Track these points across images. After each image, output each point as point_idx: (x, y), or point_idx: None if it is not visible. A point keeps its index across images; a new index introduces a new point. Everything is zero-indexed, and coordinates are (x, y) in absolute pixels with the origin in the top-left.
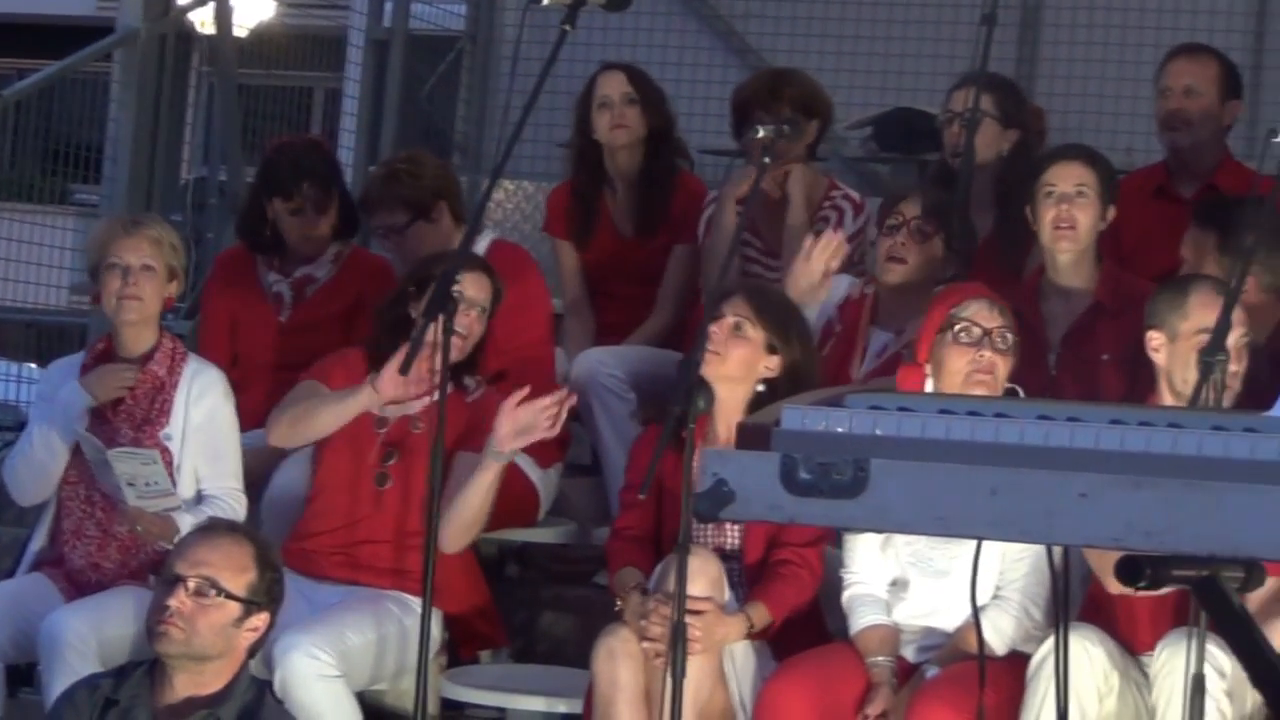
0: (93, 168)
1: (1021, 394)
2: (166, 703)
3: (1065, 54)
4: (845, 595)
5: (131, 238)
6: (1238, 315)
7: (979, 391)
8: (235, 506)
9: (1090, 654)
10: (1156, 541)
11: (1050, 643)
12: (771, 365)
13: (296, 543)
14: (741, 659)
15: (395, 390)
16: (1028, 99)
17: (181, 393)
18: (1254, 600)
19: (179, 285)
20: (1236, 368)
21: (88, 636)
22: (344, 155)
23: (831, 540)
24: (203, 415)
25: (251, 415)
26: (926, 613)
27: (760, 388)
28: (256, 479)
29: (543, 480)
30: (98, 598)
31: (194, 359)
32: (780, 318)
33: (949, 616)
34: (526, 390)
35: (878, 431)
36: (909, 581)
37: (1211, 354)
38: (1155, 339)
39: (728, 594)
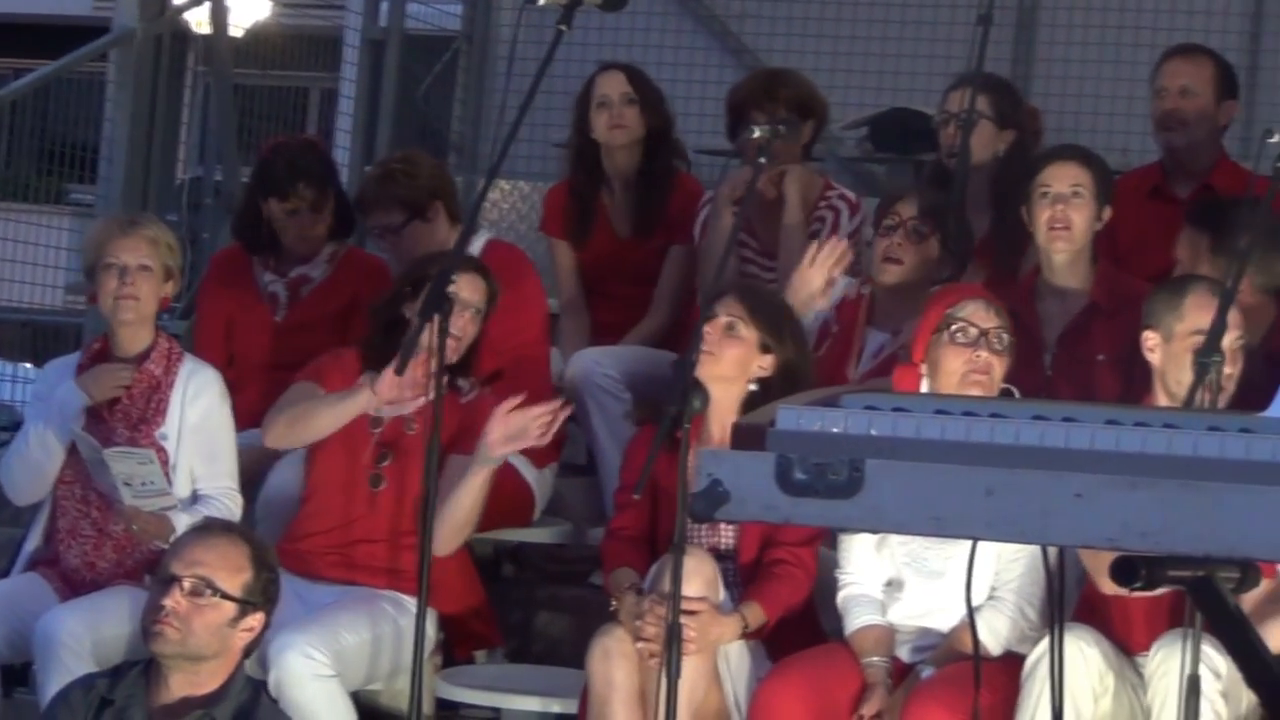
0: (88, 167)
1: (1017, 394)
2: (162, 702)
3: (1061, 54)
4: (840, 595)
5: (128, 238)
6: (1234, 317)
7: (975, 392)
8: (231, 506)
9: (1085, 654)
10: (1152, 542)
11: (1045, 643)
12: (765, 365)
13: (291, 543)
14: (736, 659)
15: (393, 393)
16: (1024, 99)
17: (177, 392)
18: (1249, 601)
19: (175, 285)
20: (1231, 370)
21: (83, 636)
22: (340, 155)
23: (826, 540)
24: (198, 415)
25: (247, 415)
26: (921, 613)
27: (753, 387)
28: (252, 479)
29: (538, 480)
30: (93, 597)
31: (190, 359)
32: (773, 317)
33: (944, 617)
34: (522, 397)
35: (873, 432)
36: (904, 582)
37: (1207, 355)
38: (1151, 339)
39: (723, 594)
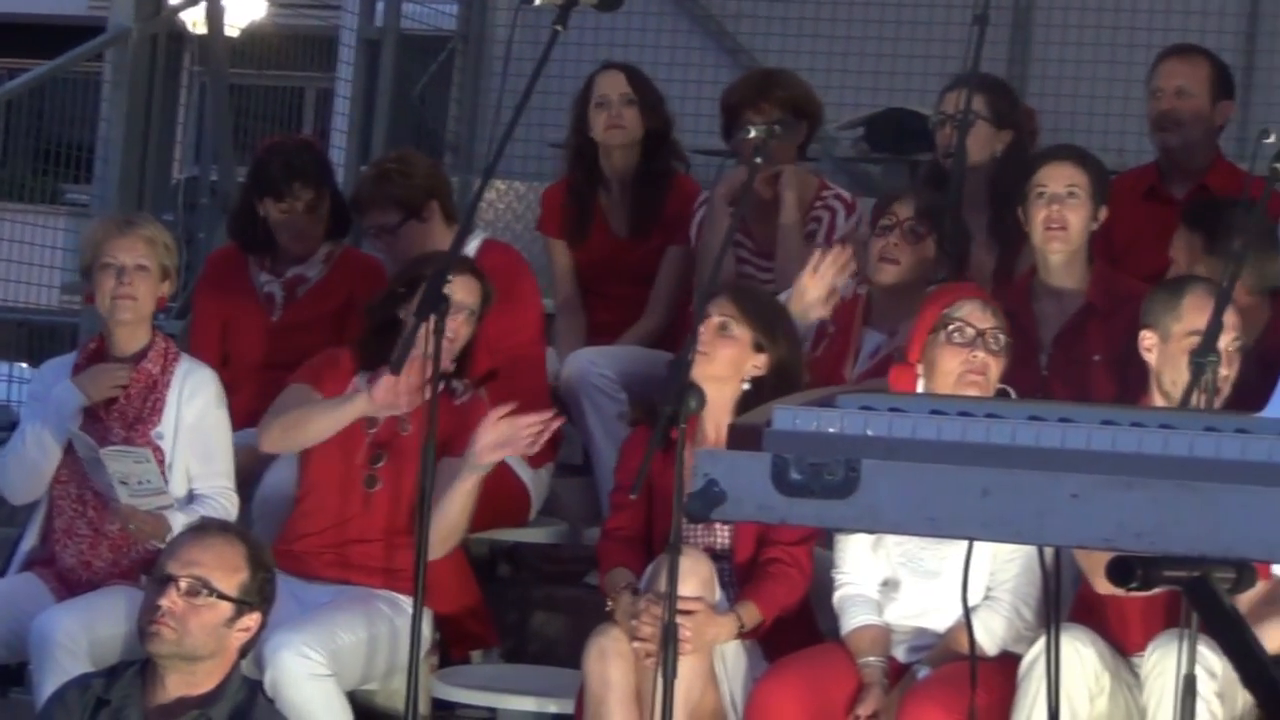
0: (84, 167)
1: (1013, 394)
2: (158, 703)
3: (1057, 54)
4: (836, 596)
5: (126, 237)
6: (1231, 319)
7: (971, 392)
8: (227, 506)
9: (1081, 655)
10: (1148, 542)
11: (1041, 643)
12: (759, 364)
13: (286, 543)
14: (732, 659)
15: (389, 399)
16: (1020, 100)
17: (174, 392)
18: (1244, 602)
19: (172, 285)
20: (1227, 371)
21: (79, 636)
22: (335, 155)
23: (822, 540)
24: (194, 414)
25: (243, 415)
26: (917, 613)
27: (747, 386)
28: (248, 478)
29: (534, 480)
30: (89, 597)
31: (186, 358)
32: (766, 316)
33: (940, 617)
34: (512, 406)
35: (869, 432)
36: (900, 582)
37: (1203, 355)
38: (1148, 339)
39: (718, 594)
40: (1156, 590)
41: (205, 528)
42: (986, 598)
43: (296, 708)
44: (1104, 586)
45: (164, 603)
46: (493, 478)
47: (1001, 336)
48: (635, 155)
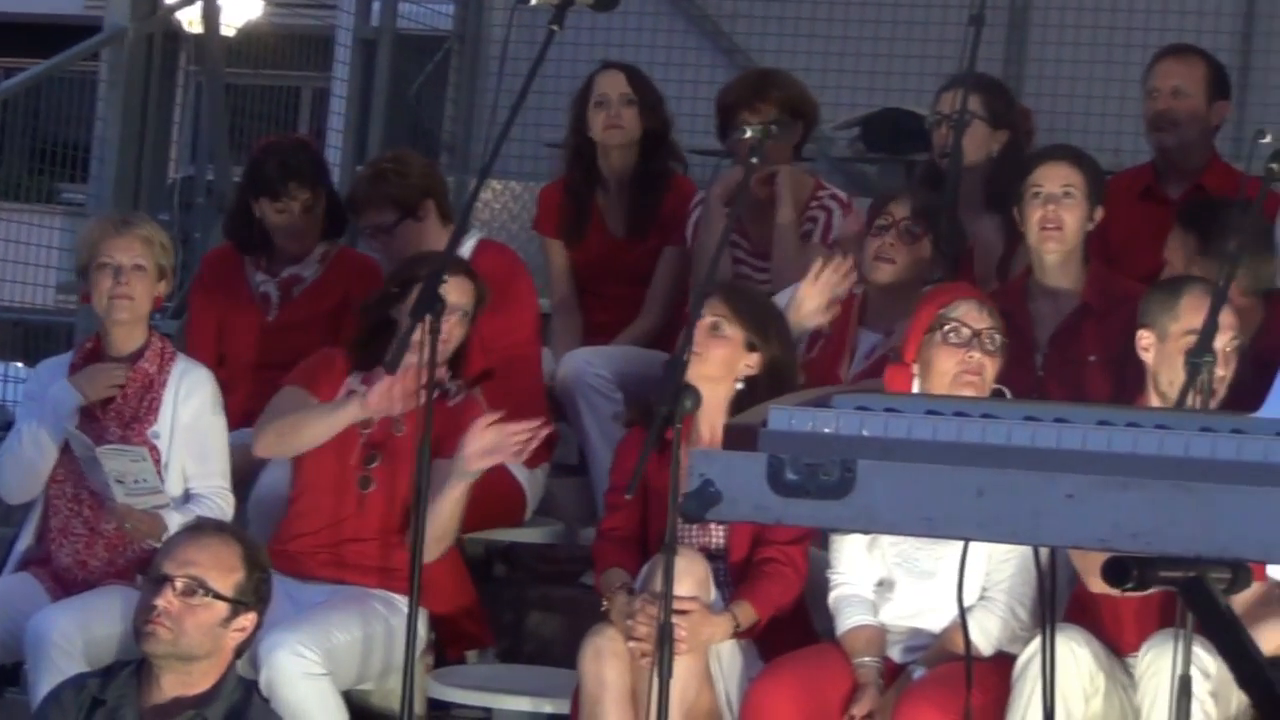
0: (80, 167)
1: (1008, 395)
2: (153, 703)
3: (1053, 54)
4: (832, 596)
5: (123, 237)
6: (1228, 319)
7: (967, 392)
8: (223, 506)
9: (1076, 655)
10: (1143, 543)
11: (1035, 644)
12: (751, 363)
13: (280, 544)
14: (728, 659)
15: (384, 404)
16: (1016, 100)
17: (170, 391)
18: (1240, 602)
19: (168, 285)
20: (1224, 372)
21: (74, 636)
22: (331, 155)
23: (817, 541)
24: (191, 414)
25: (238, 415)
26: (913, 613)
27: (740, 386)
28: (244, 478)
29: (529, 480)
30: (84, 597)
31: (183, 358)
32: (758, 316)
33: (935, 617)
34: (500, 414)
35: (864, 432)
36: (895, 582)
37: (1198, 356)
38: (1145, 338)
39: (714, 594)
40: (1151, 590)
41: (201, 527)
42: (982, 598)
43: (291, 707)
44: (1098, 586)
45: (160, 602)
46: (488, 478)
47: (997, 337)
48: (633, 155)
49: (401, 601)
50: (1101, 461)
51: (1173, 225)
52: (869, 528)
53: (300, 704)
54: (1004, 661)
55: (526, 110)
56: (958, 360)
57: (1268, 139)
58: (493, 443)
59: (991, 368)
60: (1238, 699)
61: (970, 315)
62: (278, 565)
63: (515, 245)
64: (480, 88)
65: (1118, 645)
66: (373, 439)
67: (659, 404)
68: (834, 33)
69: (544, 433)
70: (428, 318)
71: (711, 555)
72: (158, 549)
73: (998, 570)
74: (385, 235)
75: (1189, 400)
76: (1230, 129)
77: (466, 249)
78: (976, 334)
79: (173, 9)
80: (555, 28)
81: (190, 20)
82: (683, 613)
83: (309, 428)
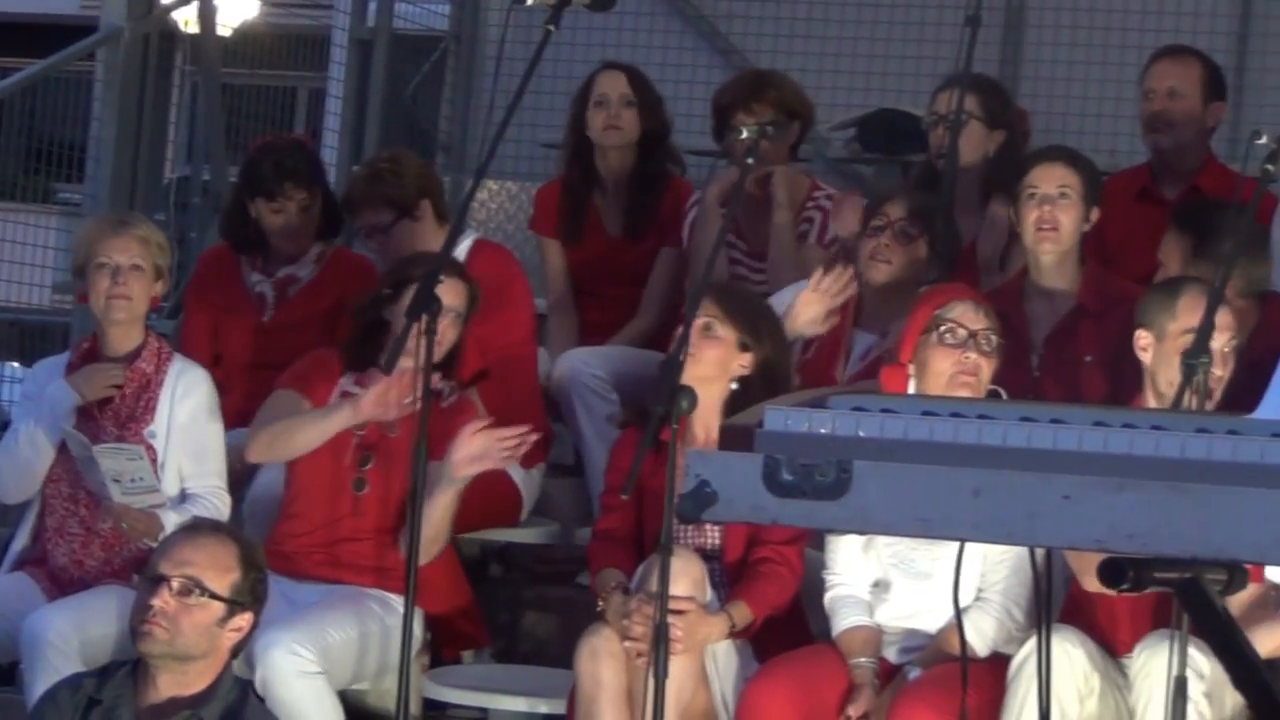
0: (76, 167)
1: (1004, 395)
2: (150, 703)
3: (1049, 55)
4: (827, 596)
5: (120, 237)
6: (1225, 319)
7: (962, 393)
8: (219, 505)
9: (1071, 655)
10: (1139, 544)
11: (1030, 644)
12: (745, 363)
13: (275, 545)
14: (724, 659)
15: (376, 410)
16: (1013, 100)
17: (166, 391)
18: (1237, 604)
19: (164, 285)
20: (1221, 372)
21: (70, 636)
22: (328, 155)
23: (813, 541)
24: (187, 414)
25: (234, 415)
26: (909, 614)
27: (734, 386)
28: (239, 478)
29: (525, 480)
30: (80, 597)
31: (179, 358)
32: (749, 316)
33: (931, 618)
34: (488, 421)
35: (860, 433)
36: (891, 583)
37: (1194, 356)
38: (1143, 338)
39: (709, 594)
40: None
41: (197, 527)
42: (977, 599)
43: (287, 705)
44: (1093, 585)
45: (156, 602)
46: (485, 478)
47: (993, 337)
48: (631, 157)
49: (397, 601)
50: (1097, 462)
51: (1168, 227)
52: (865, 528)
53: (295, 703)
54: (999, 662)
55: (523, 110)
56: (954, 361)
57: (1263, 140)
58: (481, 449)
59: (987, 368)
60: (1232, 700)
61: (966, 316)
62: (273, 565)
63: (511, 245)
64: (476, 88)
65: (1113, 646)
66: (366, 441)
67: (655, 404)
68: (830, 33)
69: (532, 438)
70: (424, 318)
71: (707, 555)
72: (154, 549)
73: (993, 571)
74: (381, 235)
75: (1185, 401)
76: (1226, 130)
77: (462, 249)
78: (972, 335)
79: (169, 9)
80: (551, 28)
81: (186, 20)
82: (679, 613)
83: (301, 433)
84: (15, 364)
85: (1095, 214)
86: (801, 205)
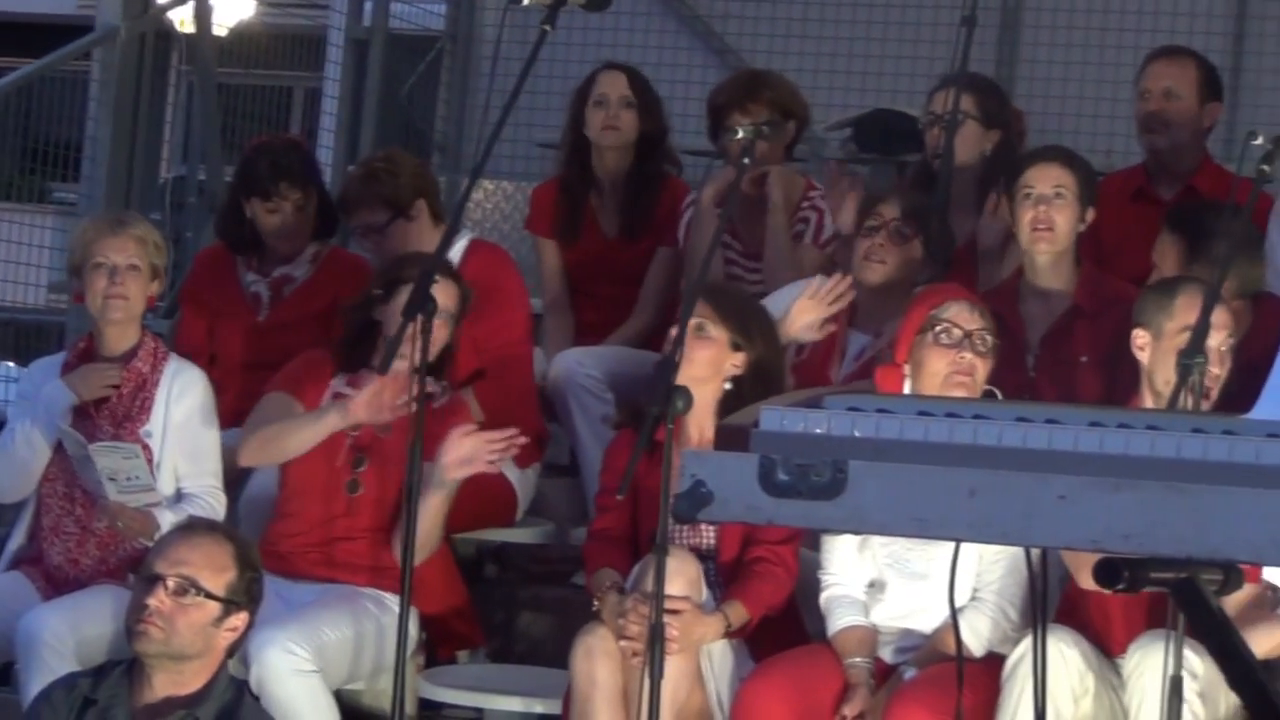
0: (72, 166)
1: (1000, 396)
2: (145, 702)
3: (1045, 56)
4: (823, 596)
5: (117, 237)
6: (1222, 318)
7: (958, 393)
8: (214, 505)
9: (1065, 656)
10: (1135, 544)
11: (1024, 645)
12: (737, 363)
13: (269, 545)
14: (719, 659)
15: (366, 414)
16: (1009, 100)
17: (162, 391)
18: (1232, 604)
19: (161, 284)
20: (1219, 371)
21: (65, 636)
22: (323, 155)
23: (809, 541)
24: (183, 413)
25: (229, 415)
26: (904, 614)
27: (728, 386)
28: (235, 478)
29: (521, 480)
30: (75, 596)
31: (175, 358)
32: (741, 316)
33: (927, 618)
34: (475, 425)
35: (856, 433)
36: (886, 583)
37: (1190, 356)
38: (1141, 337)
39: (705, 593)
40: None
41: (193, 527)
42: (972, 599)
43: (281, 704)
44: (1089, 583)
45: (151, 602)
46: (480, 478)
47: (989, 338)
48: (628, 157)
49: (392, 600)
50: (1093, 463)
51: (1161, 228)
52: (860, 528)
53: (290, 701)
54: (994, 662)
55: (518, 110)
56: (949, 361)
57: (1259, 140)
58: (470, 452)
59: (983, 369)
60: (1226, 700)
61: (962, 316)
62: (268, 565)
63: (507, 245)
64: (472, 88)
65: (1107, 646)
66: (360, 442)
67: (650, 405)
68: (826, 33)
69: (521, 441)
70: (419, 318)
71: (702, 555)
72: (149, 548)
73: (988, 571)
74: (377, 235)
75: (1181, 401)
76: (1222, 130)
77: (458, 249)
78: (968, 335)
79: (165, 8)
80: (547, 28)
81: (182, 20)
82: (674, 612)
83: (292, 437)
84: (11, 363)
85: (1091, 214)
86: (797, 205)
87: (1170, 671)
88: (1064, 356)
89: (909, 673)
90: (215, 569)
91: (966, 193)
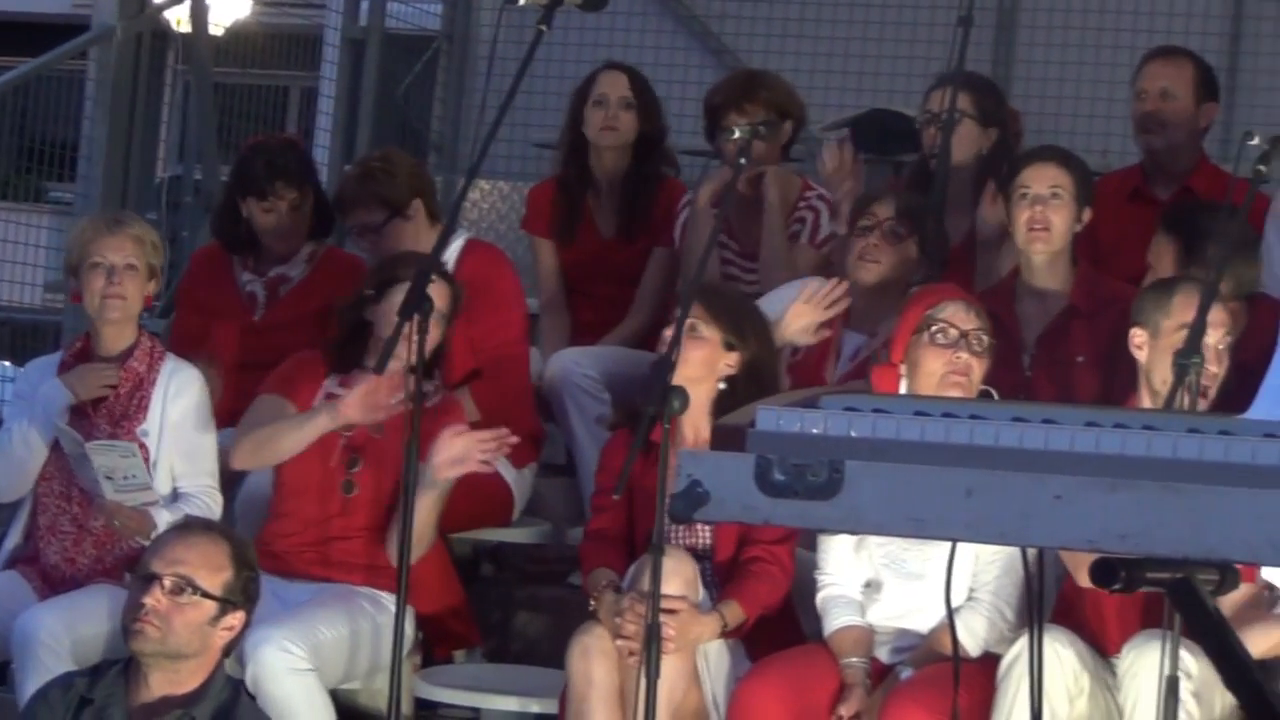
0: (68, 166)
1: (996, 396)
2: (142, 701)
3: (1041, 56)
4: (819, 596)
5: (115, 237)
6: (1218, 316)
7: (954, 393)
8: (211, 504)
9: (1060, 656)
10: (1131, 544)
11: (1019, 645)
12: (731, 363)
13: (265, 545)
14: (715, 659)
15: (358, 414)
16: (1005, 99)
17: (159, 390)
18: (1229, 604)
19: (157, 284)
20: (1217, 369)
21: (61, 635)
22: (319, 154)
23: (805, 541)
24: (179, 413)
25: (224, 415)
26: (900, 614)
27: (722, 386)
28: (231, 477)
29: (517, 480)
30: (71, 596)
31: (172, 357)
32: (734, 315)
33: (923, 618)
34: (466, 425)
35: (852, 433)
36: (883, 583)
37: (1186, 356)
38: (1138, 336)
39: (701, 593)
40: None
41: (189, 526)
42: (969, 599)
43: (277, 703)
44: (1086, 581)
45: (148, 601)
46: (477, 478)
47: (985, 337)
48: (626, 158)
49: (388, 599)
50: (1089, 463)
51: (1156, 229)
52: (857, 528)
53: (286, 700)
54: (990, 662)
55: (515, 110)
56: (945, 361)
57: (1256, 141)
58: (462, 451)
59: (979, 369)
60: (1221, 701)
61: (958, 316)
62: (263, 565)
63: (503, 245)
64: (468, 87)
65: (1102, 646)
66: (353, 442)
67: (646, 405)
68: (822, 34)
69: (513, 440)
70: (415, 318)
71: (698, 555)
72: (146, 547)
73: (985, 571)
74: (373, 235)
75: (1178, 400)
76: (1219, 130)
77: (454, 249)
78: (964, 335)
79: (161, 8)
80: (543, 28)
81: (178, 19)
82: (671, 612)
83: (284, 439)
84: (7, 363)
85: (1087, 214)
86: (794, 206)
87: (1167, 672)
88: (1060, 356)
89: (905, 673)
90: (212, 568)
91: (963, 192)
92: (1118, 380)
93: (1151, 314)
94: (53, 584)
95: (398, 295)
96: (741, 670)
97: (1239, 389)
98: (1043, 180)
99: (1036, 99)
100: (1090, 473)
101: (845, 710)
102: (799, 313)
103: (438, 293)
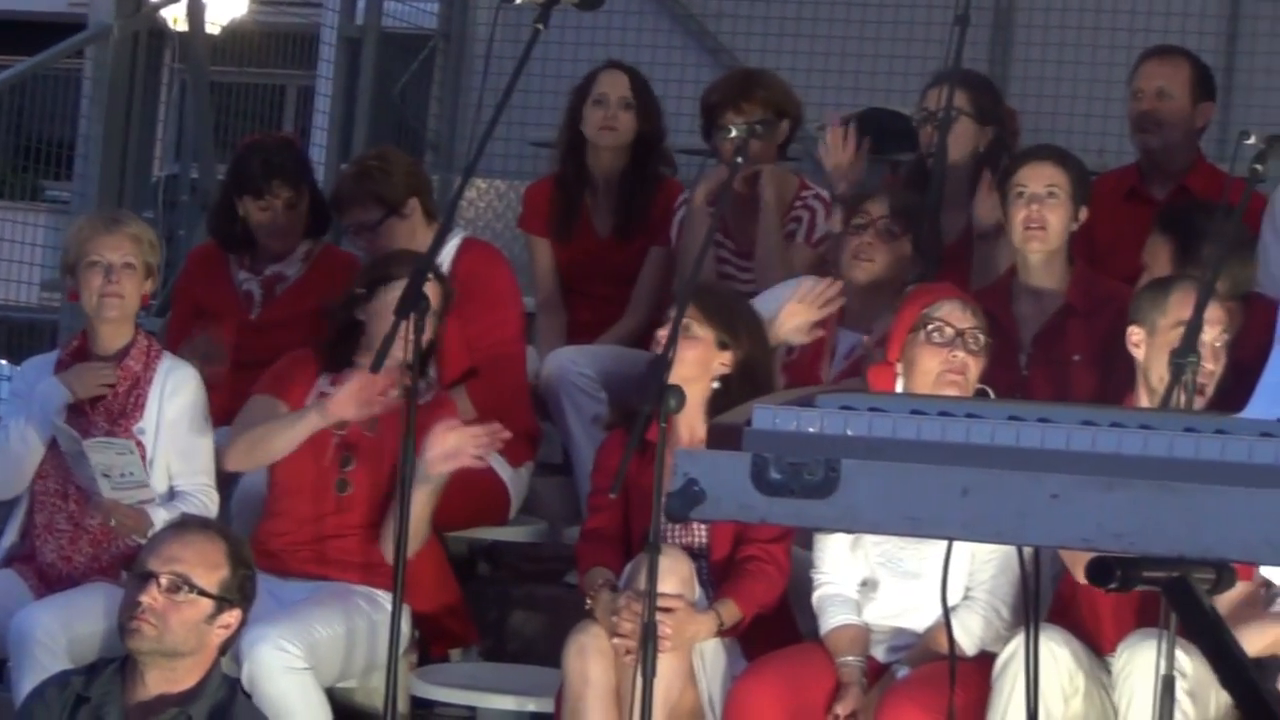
0: (64, 164)
1: (992, 394)
2: (138, 700)
3: (1038, 55)
4: (815, 595)
5: (113, 235)
6: (1215, 314)
7: (950, 392)
8: (207, 503)
9: (1056, 655)
10: (1127, 543)
11: (1014, 644)
12: (725, 362)
13: (260, 544)
14: (711, 658)
15: (347, 411)
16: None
17: (156, 388)
18: (1225, 603)
19: (154, 283)
20: (1213, 367)
21: (57, 634)
22: (316, 153)
23: (801, 540)
24: (176, 411)
25: (220, 413)
26: (897, 613)
27: (716, 385)
28: (227, 475)
29: (513, 479)
30: (68, 594)
31: (169, 356)
32: (727, 314)
33: (919, 617)
34: (458, 420)
35: (849, 432)
36: (879, 582)
37: (1182, 355)
38: (1135, 334)
39: (697, 592)
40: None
41: (186, 524)
42: (965, 598)
43: (273, 701)
44: (1084, 577)
45: (144, 599)
46: (472, 476)
47: (981, 336)
48: (624, 158)
49: (384, 597)
50: (1086, 461)
51: (1152, 229)
52: (853, 527)
53: (282, 698)
54: (987, 661)
55: (511, 109)
56: (941, 360)
57: (1252, 140)
58: (454, 446)
59: (975, 367)
60: (1216, 700)
61: (954, 315)
62: (259, 563)
63: (500, 244)
64: (465, 86)
65: (1098, 645)
66: (347, 441)
67: (642, 404)
68: (819, 33)
69: (505, 435)
70: (412, 316)
71: (694, 554)
72: (142, 545)
73: (981, 570)
74: (370, 233)
75: (1174, 399)
76: (1215, 130)
77: (451, 247)
78: (960, 333)
79: (158, 6)
80: (540, 26)
81: (175, 18)
82: (667, 610)
83: (275, 439)
84: (4, 361)
85: (1084, 213)
86: (790, 205)
87: (1163, 671)
88: (1056, 355)
89: (901, 672)
90: (208, 566)
91: (960, 190)
92: (1114, 379)
93: (1148, 312)
94: (49, 582)
95: (389, 293)
96: (737, 669)
97: (1235, 388)
98: (1039, 179)
99: (1033, 98)
100: (1086, 472)
101: (841, 709)
102: (793, 312)
103: (430, 291)
